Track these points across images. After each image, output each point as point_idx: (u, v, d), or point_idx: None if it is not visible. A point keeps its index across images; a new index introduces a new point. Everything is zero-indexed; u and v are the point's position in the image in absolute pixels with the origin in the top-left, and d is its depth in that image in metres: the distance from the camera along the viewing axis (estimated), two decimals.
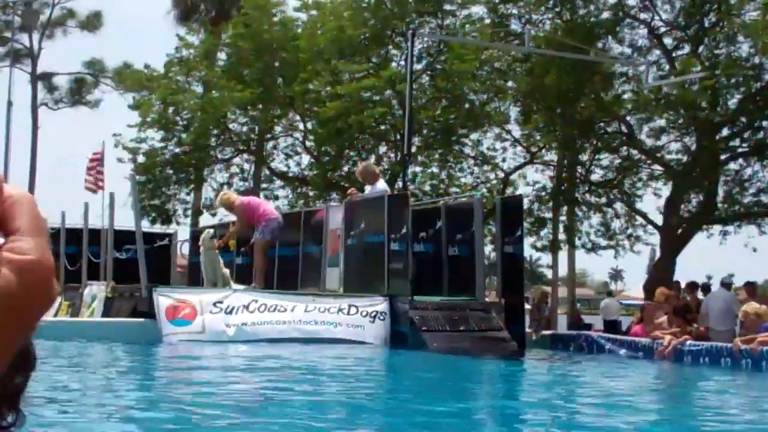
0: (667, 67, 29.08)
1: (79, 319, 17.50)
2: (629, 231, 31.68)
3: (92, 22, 50.47)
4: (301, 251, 19.02)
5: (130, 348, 13.74)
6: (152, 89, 33.37)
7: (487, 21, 30.62)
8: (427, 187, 32.15)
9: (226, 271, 17.22)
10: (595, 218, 31.60)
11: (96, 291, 18.31)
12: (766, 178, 29.76)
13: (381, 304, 15.29)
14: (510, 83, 30.87)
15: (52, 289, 0.92)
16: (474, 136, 32.55)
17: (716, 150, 27.86)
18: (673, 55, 28.87)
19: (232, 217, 18.50)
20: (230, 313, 14.88)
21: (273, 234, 17.48)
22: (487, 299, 16.87)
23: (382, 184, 17.77)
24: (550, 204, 31.02)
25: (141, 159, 33.24)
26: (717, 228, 30.37)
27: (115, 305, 17.13)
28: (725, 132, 28.68)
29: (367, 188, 17.81)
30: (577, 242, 31.36)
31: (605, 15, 29.80)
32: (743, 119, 28.50)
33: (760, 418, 8.93)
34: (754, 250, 31.67)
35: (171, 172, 33.43)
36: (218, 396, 8.46)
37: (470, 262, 16.52)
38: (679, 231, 29.01)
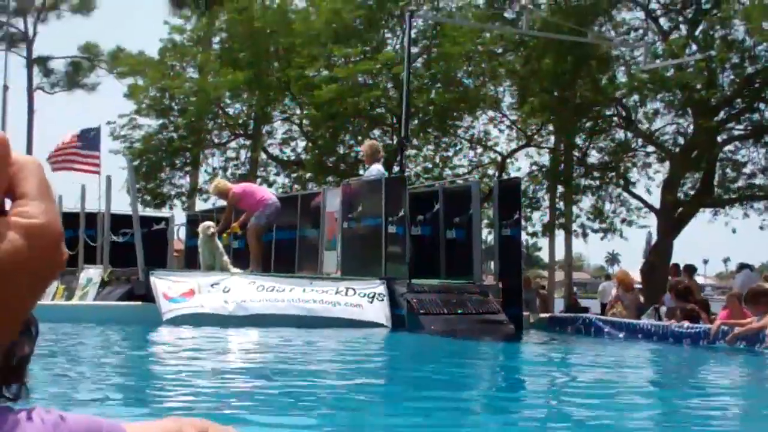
0: (662, 48, 28.91)
1: (76, 303, 17.47)
2: (623, 215, 31.64)
3: (85, 4, 50.24)
4: (299, 235, 19.01)
5: (130, 330, 13.73)
6: (146, 75, 33.26)
7: (481, 1, 30.53)
8: (418, 169, 32.14)
9: (227, 258, 17.23)
10: (587, 201, 31.59)
11: (92, 274, 18.28)
12: (761, 161, 29.77)
13: (378, 287, 15.29)
14: (502, 70, 30.75)
15: (61, 253, 0.91)
16: (469, 119, 32.55)
17: (713, 131, 27.79)
18: (670, 37, 28.77)
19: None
20: (228, 292, 14.90)
21: (269, 218, 17.53)
22: (484, 282, 16.90)
23: (377, 167, 17.70)
24: (544, 184, 31.01)
25: (137, 145, 33.12)
26: (709, 211, 30.43)
27: (108, 289, 17.11)
28: (722, 114, 28.63)
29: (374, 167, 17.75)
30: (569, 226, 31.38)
31: None
32: (739, 101, 28.49)
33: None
34: (734, 231, 31.54)
35: (166, 155, 33.32)
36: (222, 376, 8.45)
37: (468, 245, 16.56)
38: (676, 214, 28.98)
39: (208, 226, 16.99)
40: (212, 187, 18.67)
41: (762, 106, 28.59)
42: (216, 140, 34.67)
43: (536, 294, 25.30)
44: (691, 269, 22.43)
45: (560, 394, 8.58)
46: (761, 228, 30.33)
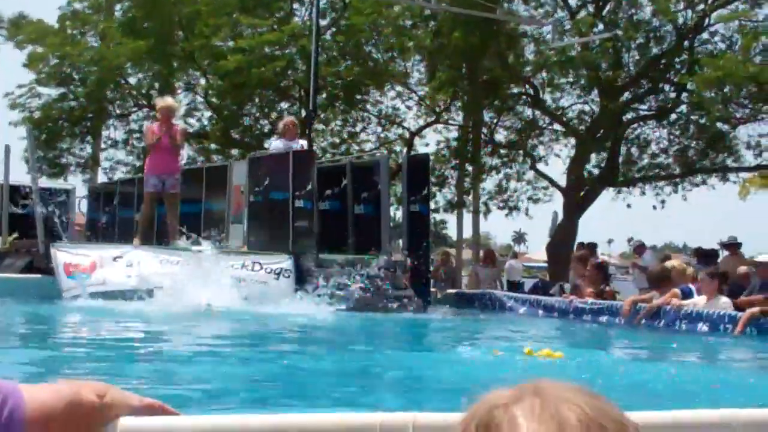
0: (569, 26, 28.96)
1: None
2: (529, 193, 31.81)
3: None
4: (204, 207, 18.69)
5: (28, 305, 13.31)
6: (45, 43, 32.38)
7: None
8: (326, 144, 31.96)
9: None
10: (491, 182, 31.67)
11: None
12: (663, 141, 30.13)
13: (285, 262, 15.10)
14: (411, 44, 30.54)
15: None
16: (377, 94, 32.37)
17: (618, 111, 28.02)
18: (577, 16, 28.85)
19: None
20: (131, 266, 14.50)
21: None
22: (392, 258, 16.83)
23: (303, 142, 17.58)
24: (451, 162, 30.99)
25: (36, 114, 32.26)
26: (613, 189, 30.64)
27: (7, 261, 16.62)
28: (627, 95, 28.88)
29: (276, 141, 17.61)
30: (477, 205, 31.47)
31: None
32: (644, 82, 28.77)
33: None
34: (629, 206, 31.29)
35: (66, 125, 32.54)
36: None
37: (376, 221, 16.46)
38: (582, 193, 29.19)
39: None
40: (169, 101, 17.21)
41: (667, 87, 28.93)
42: (118, 111, 33.97)
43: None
44: (591, 246, 22.67)
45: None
46: (654, 207, 30.41)
